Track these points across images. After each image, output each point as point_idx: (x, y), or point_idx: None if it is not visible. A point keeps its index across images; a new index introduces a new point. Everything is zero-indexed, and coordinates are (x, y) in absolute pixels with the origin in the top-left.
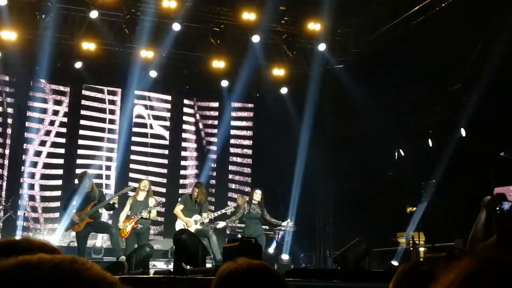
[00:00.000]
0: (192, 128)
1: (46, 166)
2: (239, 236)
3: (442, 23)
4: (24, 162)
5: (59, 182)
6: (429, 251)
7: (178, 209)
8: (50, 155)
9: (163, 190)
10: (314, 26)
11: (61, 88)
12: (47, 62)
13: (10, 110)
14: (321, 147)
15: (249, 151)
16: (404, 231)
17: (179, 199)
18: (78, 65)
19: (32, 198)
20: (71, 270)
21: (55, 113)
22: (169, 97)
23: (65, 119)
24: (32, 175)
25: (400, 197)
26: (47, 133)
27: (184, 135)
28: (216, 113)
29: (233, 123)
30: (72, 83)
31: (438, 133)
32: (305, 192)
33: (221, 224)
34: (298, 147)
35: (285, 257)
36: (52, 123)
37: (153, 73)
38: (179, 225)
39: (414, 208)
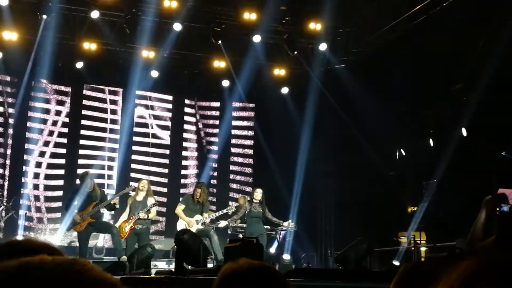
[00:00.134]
0: (193, 128)
1: (48, 166)
2: (240, 236)
3: (442, 23)
4: (26, 162)
5: (60, 182)
6: (430, 251)
7: (180, 209)
8: (51, 155)
9: (164, 190)
10: (315, 26)
11: (62, 88)
12: (48, 62)
13: (11, 110)
14: (322, 147)
15: (250, 151)
16: (406, 230)
17: (181, 199)
18: (79, 65)
19: (33, 198)
20: (72, 271)
21: (57, 113)
22: (170, 97)
23: (66, 119)
24: (34, 175)
25: (401, 196)
26: (49, 133)
27: (185, 135)
28: (217, 113)
29: (234, 123)
30: (73, 83)
31: (439, 132)
32: (306, 192)
33: (222, 224)
34: (299, 147)
35: (286, 257)
36: (53, 123)
37: (154, 73)
38: (180, 225)
39: (415, 208)
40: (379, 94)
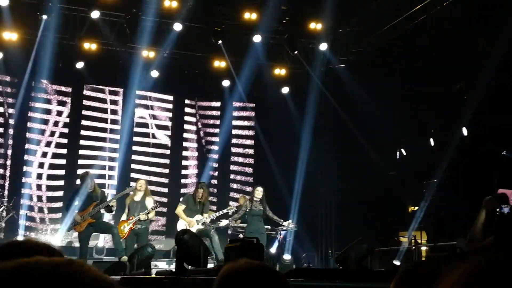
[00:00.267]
0: (194, 128)
1: (49, 166)
2: (241, 236)
3: (442, 23)
4: (26, 162)
5: (61, 182)
6: (431, 251)
7: (180, 209)
8: (52, 155)
9: (165, 190)
10: (315, 26)
11: (63, 88)
12: (48, 63)
13: (11, 110)
14: (322, 147)
15: (251, 151)
16: (406, 230)
17: (181, 199)
18: (80, 65)
19: (34, 198)
20: (68, 272)
21: (57, 113)
22: (170, 97)
23: (67, 120)
24: (35, 176)
25: (401, 196)
26: (49, 133)
27: (185, 135)
28: (218, 113)
29: (235, 122)
30: (74, 83)
31: (439, 132)
32: (306, 192)
33: (224, 223)
34: (299, 147)
35: (287, 257)
36: (53, 123)
37: (154, 73)
38: (180, 225)
39: (416, 208)
40: (379, 94)
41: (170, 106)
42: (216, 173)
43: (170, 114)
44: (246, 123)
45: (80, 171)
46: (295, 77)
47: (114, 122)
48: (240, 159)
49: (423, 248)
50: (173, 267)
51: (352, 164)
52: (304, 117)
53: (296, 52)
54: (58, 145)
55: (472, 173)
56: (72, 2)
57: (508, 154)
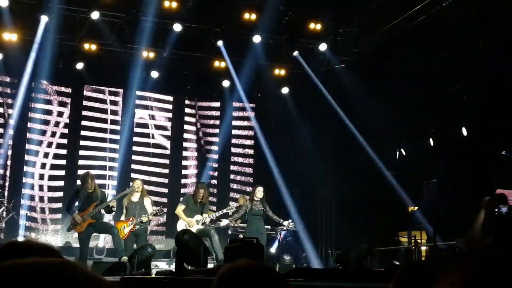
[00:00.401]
0: (194, 128)
1: (49, 167)
2: (241, 236)
3: (442, 23)
4: (27, 163)
5: (61, 183)
6: (430, 250)
7: (180, 209)
8: (52, 156)
9: (165, 190)
10: (315, 26)
11: (63, 89)
12: (48, 63)
13: (11, 111)
14: (322, 147)
15: (251, 151)
16: (406, 230)
17: (181, 199)
18: (80, 66)
19: (34, 198)
20: (62, 272)
21: (57, 114)
22: (170, 98)
23: (67, 120)
24: (36, 176)
25: (401, 196)
26: (49, 134)
27: (185, 135)
28: (218, 113)
29: (234, 123)
30: (74, 84)
31: (439, 132)
32: (306, 192)
33: (224, 222)
34: (299, 147)
35: (287, 257)
36: (54, 124)
37: (154, 74)
38: (180, 225)
39: (416, 208)
40: (379, 94)
41: (170, 106)
42: (216, 173)
43: (170, 115)
44: (246, 123)
45: (80, 172)
46: (295, 77)
47: (114, 122)
48: (240, 159)
49: (423, 248)
50: (173, 267)
51: (352, 164)
52: (304, 117)
53: (295, 52)
54: (58, 146)
55: (472, 173)
56: (72, 2)
57: (507, 154)
